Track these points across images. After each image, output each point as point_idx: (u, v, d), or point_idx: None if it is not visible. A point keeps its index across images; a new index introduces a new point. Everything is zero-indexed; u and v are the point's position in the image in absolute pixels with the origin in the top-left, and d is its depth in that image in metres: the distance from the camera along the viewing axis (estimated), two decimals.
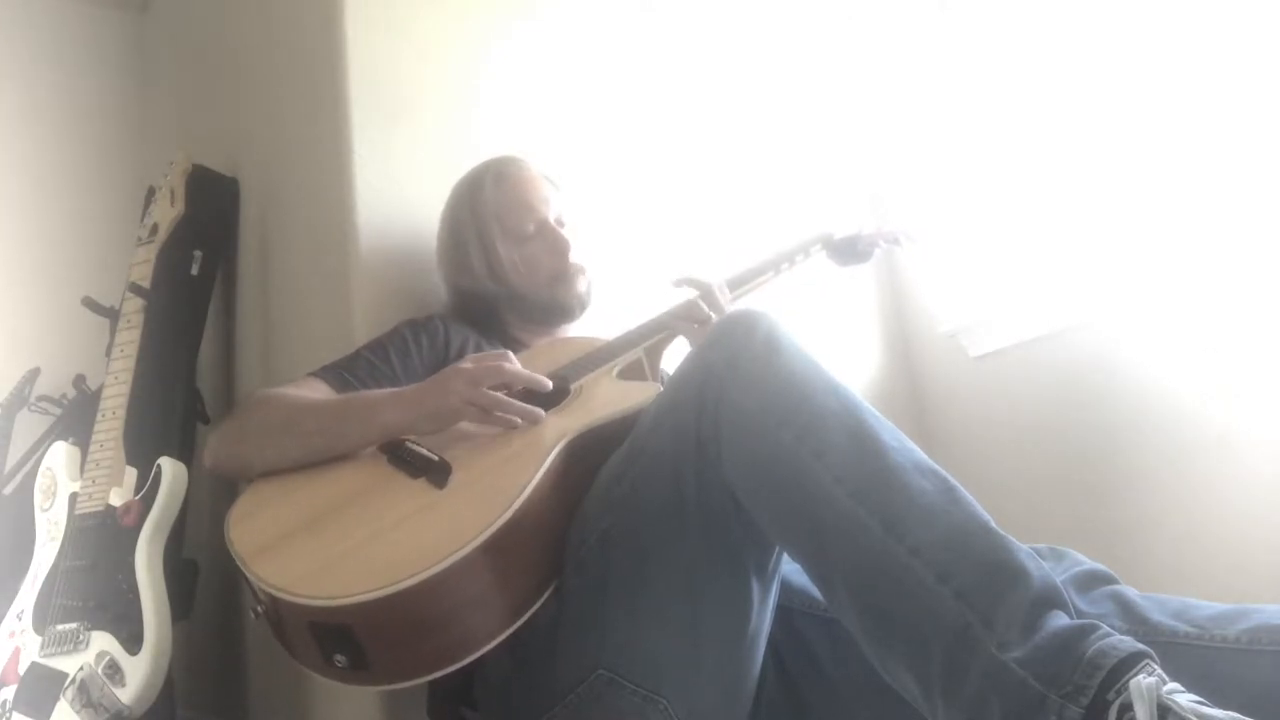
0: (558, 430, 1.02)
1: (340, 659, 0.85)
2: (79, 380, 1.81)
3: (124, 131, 2.33)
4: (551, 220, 1.35)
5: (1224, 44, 1.65)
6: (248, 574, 0.88)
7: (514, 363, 1.04)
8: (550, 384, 1.06)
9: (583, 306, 1.37)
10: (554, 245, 1.34)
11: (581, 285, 1.36)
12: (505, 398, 1.02)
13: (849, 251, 1.67)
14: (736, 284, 1.47)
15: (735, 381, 0.90)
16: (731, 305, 1.39)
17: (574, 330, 1.41)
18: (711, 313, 1.33)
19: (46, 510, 1.42)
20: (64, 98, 2.29)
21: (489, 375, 1.01)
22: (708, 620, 0.93)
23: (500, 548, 0.87)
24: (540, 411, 1.05)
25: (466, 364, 1.03)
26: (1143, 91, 1.77)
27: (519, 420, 1.03)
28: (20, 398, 1.85)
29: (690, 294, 1.37)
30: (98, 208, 2.23)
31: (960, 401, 2.13)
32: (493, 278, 1.32)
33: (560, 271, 1.34)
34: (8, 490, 1.70)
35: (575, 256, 1.35)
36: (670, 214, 1.85)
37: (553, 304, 1.35)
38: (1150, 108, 1.76)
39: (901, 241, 1.71)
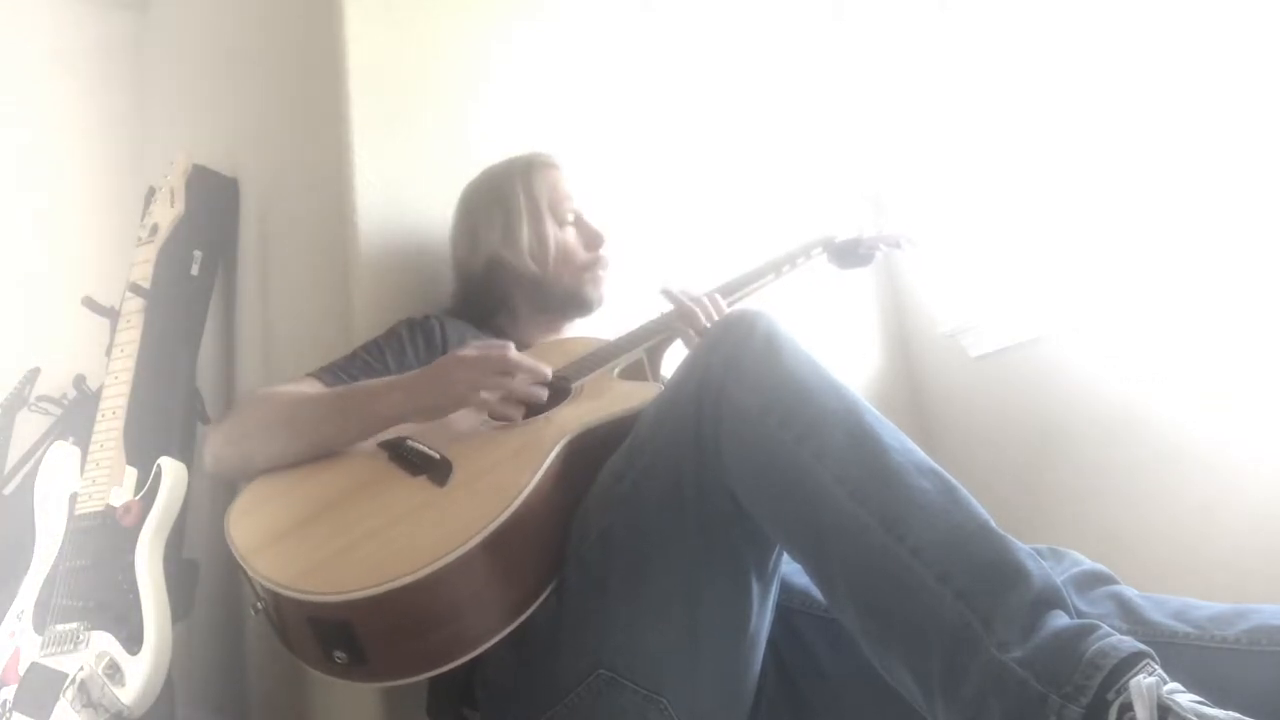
0: (558, 429, 1.02)
1: (340, 656, 0.85)
2: (79, 380, 1.81)
3: (124, 131, 2.33)
4: (585, 215, 1.40)
5: (1222, 47, 1.65)
6: (247, 570, 0.88)
7: (515, 352, 1.04)
8: (550, 372, 1.07)
9: (600, 302, 1.40)
10: (590, 236, 1.39)
11: (605, 280, 1.39)
12: (510, 382, 1.02)
13: (850, 255, 1.67)
14: (738, 286, 1.47)
15: (735, 382, 0.90)
16: (733, 307, 1.39)
17: (577, 330, 1.42)
18: (708, 322, 1.34)
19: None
20: (64, 97, 2.29)
21: (494, 362, 1.02)
22: (708, 620, 0.93)
23: (500, 546, 0.87)
24: (542, 391, 1.05)
25: (470, 350, 1.03)
26: (1143, 92, 1.77)
27: (523, 411, 1.04)
28: (20, 398, 1.85)
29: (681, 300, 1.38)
30: (98, 208, 2.23)
31: (960, 401, 2.13)
32: (534, 256, 1.34)
33: (592, 261, 1.38)
34: (8, 490, 1.69)
35: (606, 251, 1.39)
36: (671, 216, 1.85)
37: (576, 294, 1.37)
38: (1151, 109, 1.76)
39: (903, 245, 1.71)
